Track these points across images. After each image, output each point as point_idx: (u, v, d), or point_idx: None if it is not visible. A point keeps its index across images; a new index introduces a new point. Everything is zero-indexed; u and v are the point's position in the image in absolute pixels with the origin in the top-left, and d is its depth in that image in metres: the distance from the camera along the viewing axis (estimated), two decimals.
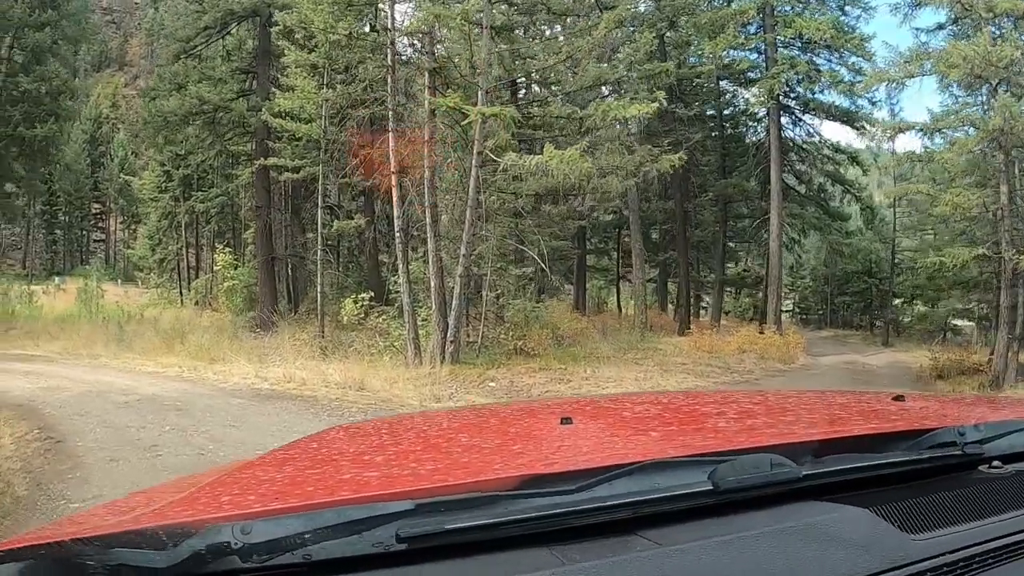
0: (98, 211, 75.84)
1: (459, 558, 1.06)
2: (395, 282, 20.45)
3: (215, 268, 35.02)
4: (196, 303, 38.18)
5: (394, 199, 18.01)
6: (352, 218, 23.98)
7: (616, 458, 1.38)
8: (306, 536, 1.02)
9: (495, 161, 16.10)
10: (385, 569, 1.03)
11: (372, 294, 21.38)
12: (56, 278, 52.51)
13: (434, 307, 17.23)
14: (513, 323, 19.99)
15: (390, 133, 18.32)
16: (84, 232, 75.04)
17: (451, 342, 16.95)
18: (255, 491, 1.47)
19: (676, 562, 1.06)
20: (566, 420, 1.73)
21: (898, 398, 1.99)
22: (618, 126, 18.61)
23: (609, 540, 1.11)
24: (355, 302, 20.59)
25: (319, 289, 21.88)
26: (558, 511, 1.10)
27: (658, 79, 22.05)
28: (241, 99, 28.19)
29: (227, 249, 35.22)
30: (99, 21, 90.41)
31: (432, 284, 17.35)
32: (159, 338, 21.39)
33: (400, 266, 17.84)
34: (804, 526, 1.15)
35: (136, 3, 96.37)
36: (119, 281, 52.68)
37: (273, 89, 23.92)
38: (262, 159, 24.89)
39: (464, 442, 1.89)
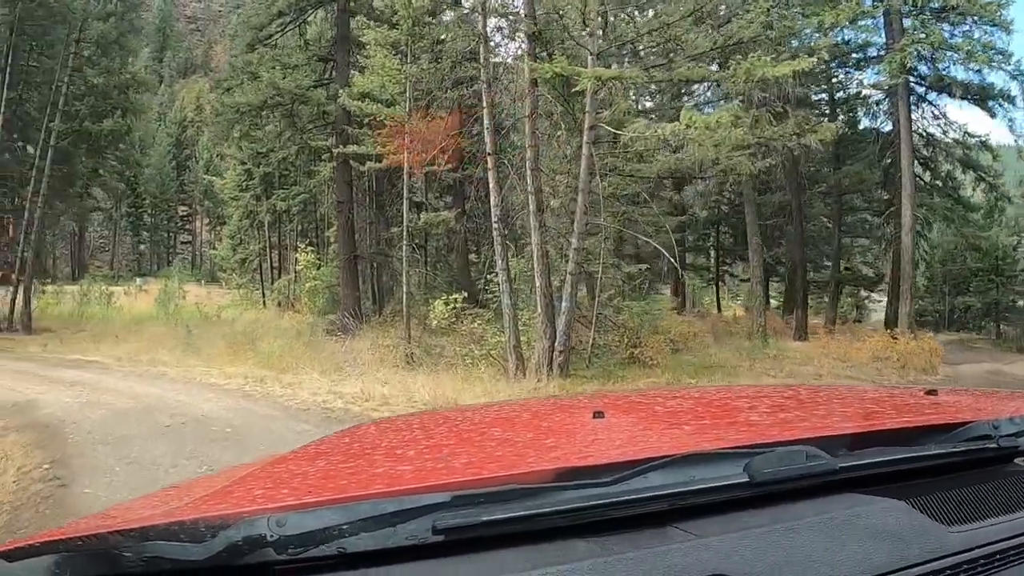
0: (185, 213, 76.23)
1: (496, 550, 1.04)
2: (490, 281, 17.78)
3: (297, 268, 33.05)
4: (278, 304, 36.58)
5: (491, 185, 15.39)
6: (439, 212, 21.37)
7: (650, 451, 1.31)
8: (341, 528, 1.00)
9: (613, 136, 13.24)
10: (421, 561, 1.01)
11: (465, 295, 18.70)
12: (138, 279, 52.78)
13: (539, 310, 14.51)
14: (627, 328, 17.17)
15: (484, 110, 15.70)
16: (170, 234, 75.14)
17: (560, 352, 14.24)
18: (288, 484, 1.46)
19: (715, 553, 1.04)
20: (598, 414, 1.71)
21: (931, 392, 1.94)
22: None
23: (646, 532, 1.09)
24: (446, 304, 17.97)
25: (405, 290, 19.40)
26: (595, 503, 1.08)
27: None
28: (319, 88, 25.89)
29: (309, 248, 32.98)
30: (184, 29, 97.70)
31: (537, 284, 14.65)
32: (230, 343, 19.19)
33: (498, 262, 15.18)
34: (842, 517, 1.14)
35: (219, 11, 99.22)
36: (203, 282, 52.11)
37: (353, 72, 21.62)
38: (342, 147, 22.43)
39: (497, 436, 1.85)
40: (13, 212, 27.37)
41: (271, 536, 0.99)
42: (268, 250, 43.93)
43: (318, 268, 30.62)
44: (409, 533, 1.02)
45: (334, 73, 27.11)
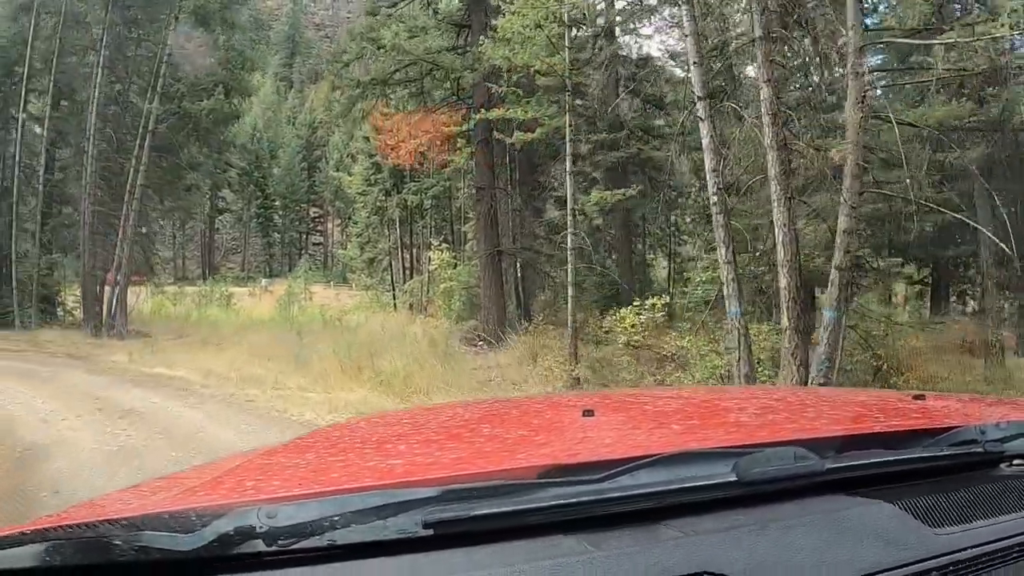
0: (316, 214, 74.90)
1: (485, 544, 1.04)
2: (684, 280, 12.92)
3: (430, 267, 29.42)
4: (409, 307, 33.53)
5: (703, 141, 10.64)
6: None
7: (639, 450, 1.32)
8: (331, 521, 1.01)
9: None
10: (410, 554, 1.02)
11: (666, 300, 13.84)
12: (263, 279, 51.37)
13: (785, 320, 9.64)
14: (878, 341, 12.13)
15: (688, 39, 11.01)
16: (301, 235, 73.76)
17: (821, 381, 9.30)
18: (279, 476, 1.47)
19: (704, 551, 1.04)
20: (588, 412, 1.72)
21: (919, 397, 1.97)
22: None
23: (635, 529, 1.09)
24: (638, 312, 13.21)
25: (570, 292, 14.94)
26: (584, 499, 1.09)
27: None
28: (454, 53, 21.70)
29: (444, 245, 29.22)
30: (313, 36, 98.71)
31: (782, 283, 9.79)
32: (348, 355, 15.20)
33: (721, 251, 10.36)
34: (829, 518, 1.15)
35: (348, 16, 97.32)
36: (332, 283, 49.38)
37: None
38: (483, 112, 18.52)
39: (487, 432, 1.86)
40: (113, 208, 23.81)
41: (261, 527, 0.98)
42: (399, 249, 40.49)
43: (453, 267, 27.25)
44: (398, 527, 1.02)
45: (469, 38, 22.77)
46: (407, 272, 39.72)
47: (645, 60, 22.90)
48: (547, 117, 16.43)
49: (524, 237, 24.98)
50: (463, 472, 1.32)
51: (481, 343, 21.01)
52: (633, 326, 12.96)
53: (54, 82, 25.03)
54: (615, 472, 1.13)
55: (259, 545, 0.99)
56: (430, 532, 1.02)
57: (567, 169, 15.70)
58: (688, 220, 24.29)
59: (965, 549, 1.15)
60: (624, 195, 16.06)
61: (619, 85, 21.56)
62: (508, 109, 17.13)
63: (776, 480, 1.18)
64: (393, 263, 39.69)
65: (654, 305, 13.08)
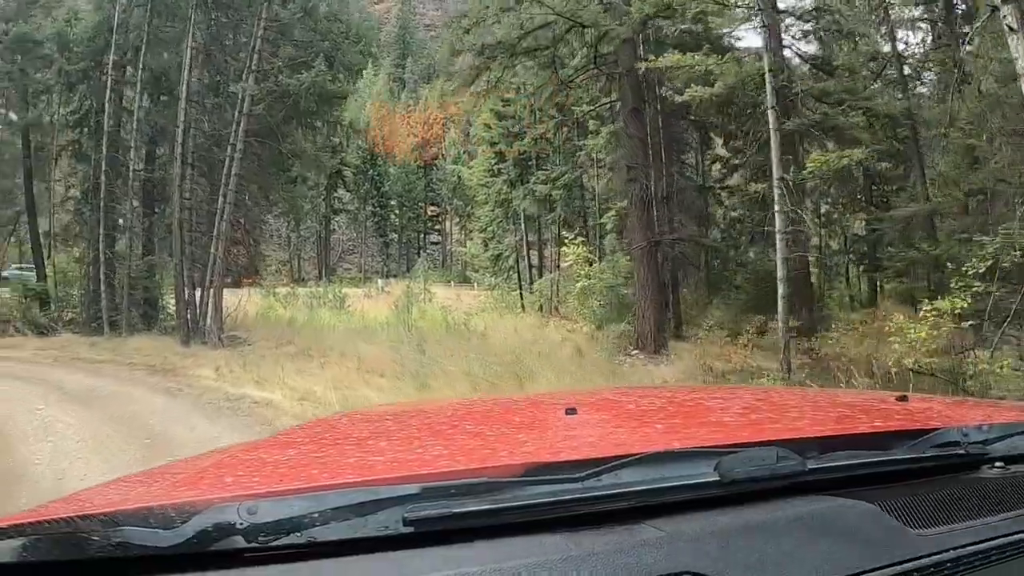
0: (434, 213, 73.62)
1: (466, 542, 1.04)
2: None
3: (565, 263, 26.64)
4: (538, 308, 30.89)
5: (1016, 53, 6.68)
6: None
7: (622, 448, 1.33)
8: (312, 517, 1.01)
9: None
10: (391, 552, 1.02)
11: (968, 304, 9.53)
12: (379, 280, 49.27)
13: None
14: None
15: None
16: (419, 234, 72.62)
17: None
18: (260, 472, 1.47)
19: (686, 551, 1.05)
20: (571, 411, 1.73)
21: (902, 398, 1.97)
22: None
23: (617, 528, 1.09)
24: (926, 317, 9.05)
25: (780, 292, 11.17)
26: (566, 498, 1.09)
27: None
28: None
29: (579, 239, 25.51)
30: (424, 37, 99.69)
31: None
32: (480, 371, 12.21)
33: None
34: (810, 519, 1.15)
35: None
36: (452, 283, 46.98)
37: None
38: (650, 61, 14.99)
39: (469, 430, 1.89)
40: (211, 204, 21.15)
41: (241, 524, 0.98)
42: (525, 245, 37.30)
43: (589, 263, 23.82)
44: (379, 524, 1.02)
45: None
46: (536, 270, 36.44)
47: None
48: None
49: (671, 226, 21.56)
50: (445, 469, 1.29)
51: (637, 352, 17.89)
52: (928, 338, 8.71)
53: (147, 71, 22.94)
54: (597, 471, 1.13)
55: (239, 542, 0.98)
56: (411, 530, 1.02)
57: (771, 126, 11.80)
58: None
59: (947, 551, 1.15)
60: (861, 155, 11.99)
61: None
62: (684, 56, 13.37)
63: (758, 480, 1.18)
64: (520, 260, 36.49)
65: (954, 304, 8.80)
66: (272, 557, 1.00)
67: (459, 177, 63.90)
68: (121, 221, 23.62)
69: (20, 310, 23.87)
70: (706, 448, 1.26)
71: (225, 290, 21.70)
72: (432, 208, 73.67)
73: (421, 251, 70.80)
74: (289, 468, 1.51)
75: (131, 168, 23.18)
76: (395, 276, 54.99)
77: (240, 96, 20.45)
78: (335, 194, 64.66)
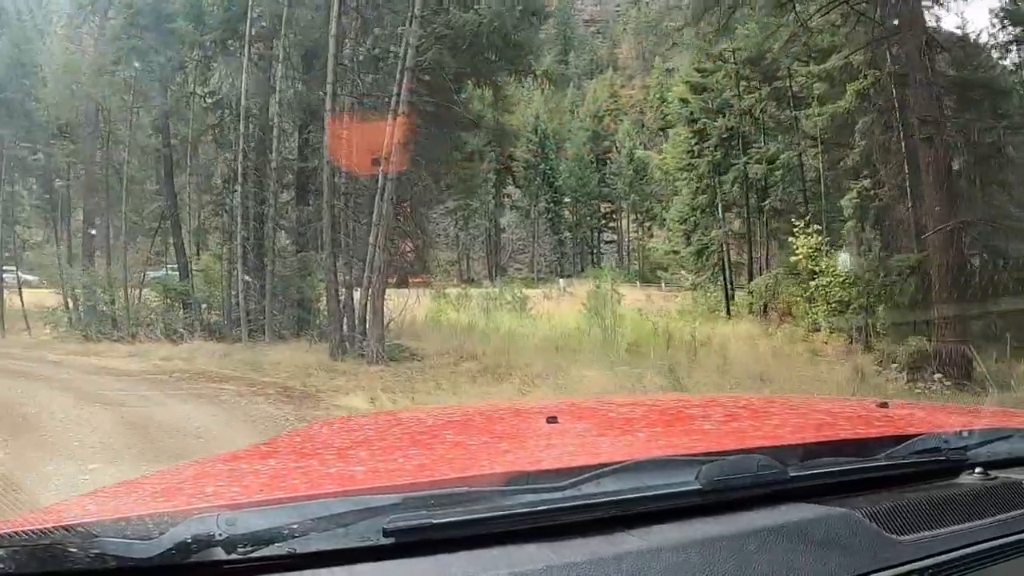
0: (608, 210, 69.68)
1: (446, 552, 1.04)
2: None
3: (796, 257, 20.74)
4: (750, 311, 27.05)
5: None
6: None
7: (603, 457, 1.39)
8: (292, 528, 1.01)
9: None
10: (371, 563, 1.02)
11: None
12: (561, 280, 46.44)
13: None
14: None
15: None
16: (592, 232, 68.33)
17: None
18: (239, 483, 1.46)
19: (667, 559, 1.05)
20: (552, 420, 1.75)
21: (883, 405, 2.01)
22: None
23: (599, 537, 1.10)
24: None
25: None
26: (547, 507, 1.10)
27: None
28: None
29: (813, 229, 20.58)
30: (584, 33, 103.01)
31: None
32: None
33: None
34: (791, 526, 1.15)
35: (616, 9, 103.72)
36: (637, 283, 42.90)
37: None
38: None
39: (450, 439, 1.90)
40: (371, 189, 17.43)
41: (220, 535, 0.98)
42: (727, 238, 31.76)
43: (817, 253, 19.75)
44: (360, 534, 1.02)
45: None
46: (754, 268, 31.22)
47: None
48: None
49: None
50: (425, 479, 1.30)
51: (940, 376, 13.14)
52: None
53: (293, 40, 20.00)
54: (579, 480, 1.14)
55: (218, 553, 0.97)
56: (391, 540, 1.01)
57: None
58: None
59: (928, 557, 1.16)
60: None
61: None
62: None
63: (739, 488, 1.19)
64: (726, 256, 31.39)
65: None
66: (251, 568, 0.99)
67: (635, 171, 61.94)
68: (272, 212, 20.62)
69: (159, 313, 21.64)
70: (687, 456, 1.28)
71: (389, 291, 18.36)
72: (606, 205, 70.10)
73: (594, 250, 68.85)
74: (269, 478, 1.50)
75: (278, 153, 20.42)
76: (570, 276, 52.35)
77: (403, 46, 16.44)
78: (504, 190, 63.01)
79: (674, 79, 44.58)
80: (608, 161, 67.22)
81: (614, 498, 1.13)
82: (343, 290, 17.07)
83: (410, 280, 23.45)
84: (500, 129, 21.66)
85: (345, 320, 16.85)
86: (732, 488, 1.19)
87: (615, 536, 1.10)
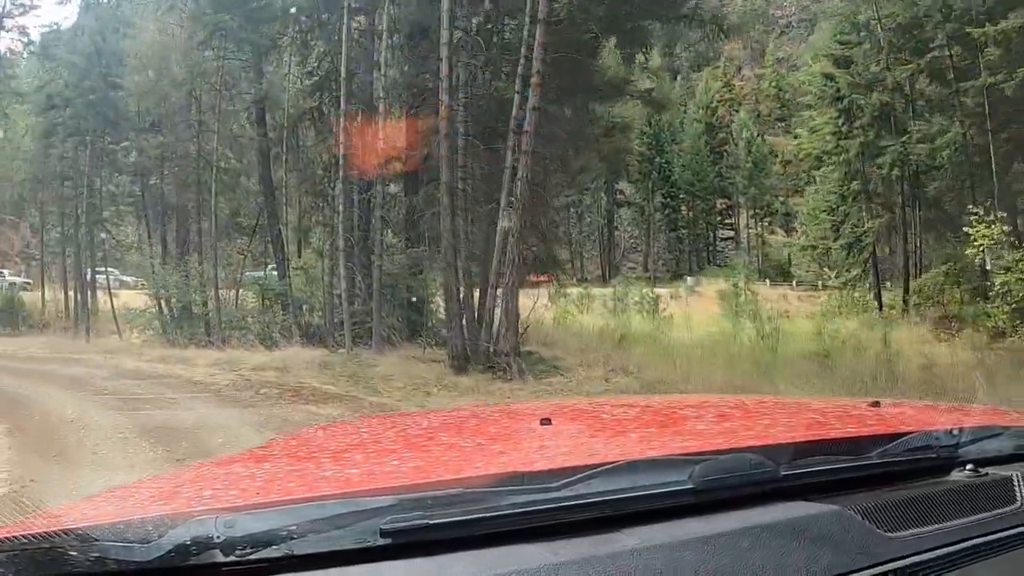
0: (724, 206, 66.47)
1: (443, 554, 1.05)
2: None
3: (972, 249, 17.64)
4: (903, 312, 24.04)
5: None
6: None
7: (596, 458, 1.39)
8: (289, 530, 1.02)
9: None
10: (368, 564, 1.03)
11: None
12: (687, 279, 44.54)
13: None
14: None
15: None
16: (709, 229, 66.55)
17: None
18: (237, 486, 1.47)
19: (660, 559, 1.07)
20: (546, 421, 1.74)
21: (874, 404, 2.00)
22: None
23: (592, 537, 1.11)
24: None
25: None
26: (541, 507, 1.12)
27: None
28: None
29: (999, 217, 17.16)
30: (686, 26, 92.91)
31: None
32: None
33: None
34: (784, 524, 1.17)
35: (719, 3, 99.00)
36: (766, 281, 40.51)
37: None
38: None
39: (444, 441, 1.93)
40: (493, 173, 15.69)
41: (219, 537, 0.99)
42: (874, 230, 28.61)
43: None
44: (356, 536, 1.03)
45: None
46: (905, 263, 27.95)
47: None
48: None
49: None
50: (421, 481, 1.32)
51: None
52: None
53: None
54: (571, 480, 1.15)
55: (217, 555, 0.98)
56: (388, 541, 1.03)
57: None
58: None
59: (919, 553, 1.18)
60: None
61: None
62: None
63: (732, 487, 1.21)
64: (872, 251, 28.27)
65: None
66: (249, 570, 1.00)
67: (754, 163, 59.16)
68: (379, 200, 18.76)
69: (255, 316, 20.48)
70: (680, 456, 1.30)
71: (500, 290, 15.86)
72: (722, 200, 67.01)
73: (711, 248, 65.65)
74: (266, 481, 1.50)
75: (384, 138, 18.29)
76: (695, 275, 50.22)
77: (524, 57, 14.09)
78: (616, 186, 60.50)
79: (789, 65, 42.22)
80: (724, 154, 64.41)
81: (608, 498, 1.13)
82: (463, 289, 14.71)
83: (533, 278, 21.48)
84: (648, 96, 18.88)
85: (466, 325, 14.52)
86: (724, 487, 1.19)
87: (609, 535, 1.10)
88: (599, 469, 1.17)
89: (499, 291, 14.49)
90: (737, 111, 66.51)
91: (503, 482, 1.19)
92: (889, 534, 1.18)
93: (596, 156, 20.87)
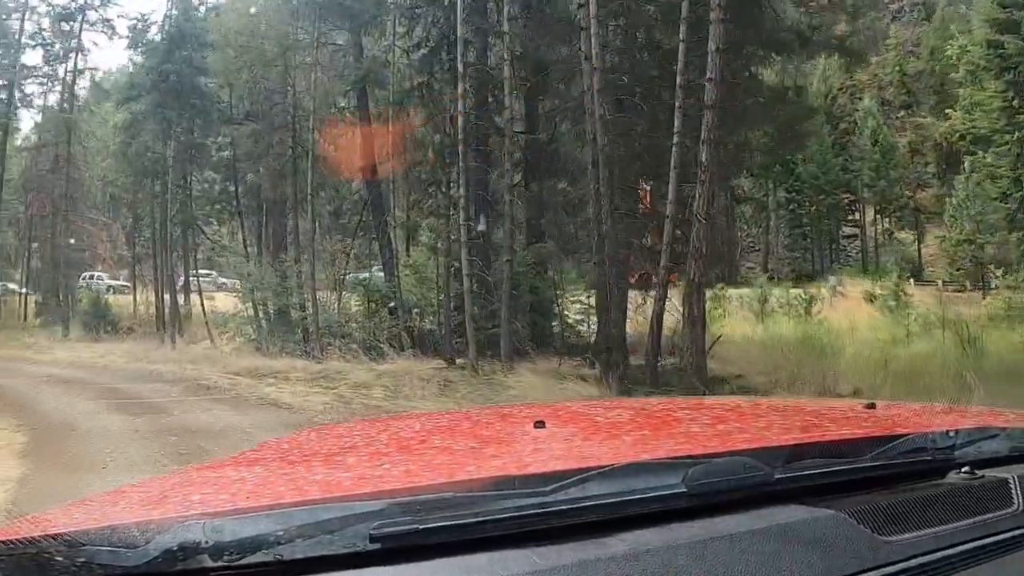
0: (848, 200, 62.83)
1: (433, 558, 1.05)
2: None
3: None
4: None
5: None
6: None
7: (590, 461, 1.35)
8: (278, 535, 1.01)
9: None
10: (358, 569, 1.02)
11: None
12: (830, 278, 41.86)
13: None
14: None
15: None
16: (833, 225, 62.79)
17: None
18: (226, 490, 1.45)
19: (654, 563, 1.06)
20: (539, 424, 1.75)
21: (870, 406, 1.99)
22: None
23: (585, 542, 1.10)
24: None
25: None
26: (532, 512, 1.11)
27: None
28: None
29: None
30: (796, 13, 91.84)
31: None
32: None
33: None
34: (778, 528, 1.17)
35: None
36: (911, 280, 37.41)
37: None
38: None
39: (437, 444, 1.91)
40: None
41: (207, 542, 0.99)
42: None
43: None
44: (346, 541, 1.02)
45: None
46: None
47: None
48: None
49: None
50: (412, 485, 1.31)
51: None
52: None
53: None
54: (564, 484, 1.14)
55: (204, 560, 0.98)
56: (377, 546, 1.02)
57: None
58: None
59: (915, 556, 1.17)
60: None
61: None
62: None
63: (726, 490, 1.21)
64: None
65: None
66: None
67: (881, 154, 56.28)
68: (506, 185, 16.44)
69: (359, 322, 18.55)
70: (674, 459, 1.29)
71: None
72: (846, 195, 63.74)
73: (834, 245, 62.23)
74: (255, 486, 1.48)
75: (509, 115, 16.23)
76: (824, 276, 47.34)
77: None
78: (732, 182, 57.09)
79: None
80: (848, 145, 60.82)
81: (600, 502, 1.13)
82: (617, 290, 12.31)
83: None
84: (842, 46, 16.08)
85: (613, 331, 12.02)
86: (718, 490, 1.19)
87: (601, 540, 1.10)
88: (592, 472, 1.16)
89: (670, 292, 12.16)
90: (860, 99, 63.10)
91: (495, 486, 1.19)
92: (885, 538, 1.18)
93: (764, 128, 17.81)
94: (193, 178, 25.07)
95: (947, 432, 1.46)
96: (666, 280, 12.04)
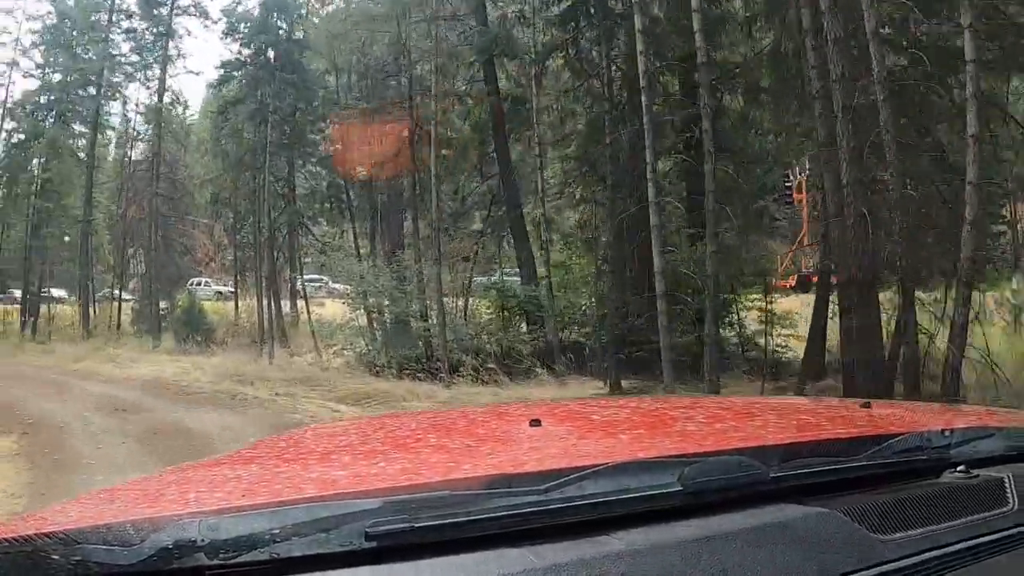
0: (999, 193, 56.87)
1: (429, 557, 1.06)
2: None
3: None
4: None
5: None
6: None
7: (585, 460, 1.36)
8: (273, 533, 1.02)
9: None
10: (353, 567, 1.03)
11: None
12: (1014, 279, 35.14)
13: None
14: None
15: None
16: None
17: None
18: (222, 488, 1.47)
19: (649, 562, 1.07)
20: (535, 422, 1.74)
21: (865, 405, 1.98)
22: None
23: (580, 540, 1.10)
24: None
25: None
26: (528, 510, 1.12)
27: None
28: None
29: None
30: None
31: None
32: None
33: None
34: (773, 527, 1.17)
35: None
36: None
37: None
38: None
39: (433, 443, 1.93)
40: None
41: (202, 540, 1.00)
42: None
43: None
44: (342, 539, 1.03)
45: None
46: None
47: None
48: None
49: None
50: (407, 483, 1.32)
51: None
52: None
53: None
54: (560, 482, 1.15)
55: (201, 559, 0.99)
56: (373, 544, 1.02)
57: None
58: None
59: (910, 555, 1.18)
60: None
61: None
62: None
63: (721, 489, 1.21)
64: None
65: None
66: (234, 574, 1.00)
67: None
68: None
69: (492, 333, 16.10)
70: (669, 458, 1.32)
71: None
72: (992, 186, 57.93)
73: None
74: (251, 484, 1.49)
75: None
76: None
77: None
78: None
79: None
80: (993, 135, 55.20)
81: (596, 500, 1.13)
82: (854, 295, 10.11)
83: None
84: None
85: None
86: (714, 489, 1.19)
87: (597, 538, 1.10)
88: (588, 471, 1.17)
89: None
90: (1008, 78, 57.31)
91: (491, 484, 1.19)
92: (880, 536, 1.19)
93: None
94: (298, 170, 22.97)
95: (943, 431, 1.47)
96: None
